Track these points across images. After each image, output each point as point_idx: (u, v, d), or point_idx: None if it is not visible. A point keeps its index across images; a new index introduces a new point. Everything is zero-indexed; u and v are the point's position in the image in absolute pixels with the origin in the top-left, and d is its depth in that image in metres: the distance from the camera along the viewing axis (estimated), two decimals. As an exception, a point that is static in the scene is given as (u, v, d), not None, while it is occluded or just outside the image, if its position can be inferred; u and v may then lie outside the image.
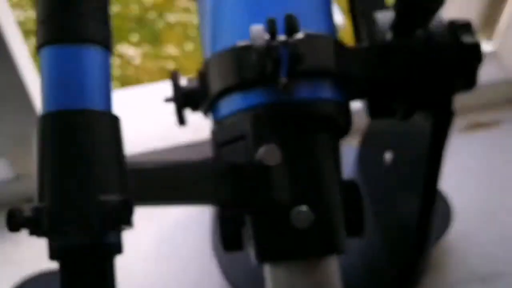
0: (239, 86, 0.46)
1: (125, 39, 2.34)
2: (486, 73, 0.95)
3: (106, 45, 0.41)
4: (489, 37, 1.01)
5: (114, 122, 0.40)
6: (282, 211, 0.43)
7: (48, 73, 0.39)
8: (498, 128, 0.95)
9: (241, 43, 0.44)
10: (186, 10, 2.53)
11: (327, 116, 0.47)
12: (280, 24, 0.42)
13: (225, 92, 0.47)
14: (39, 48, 0.40)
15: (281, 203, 0.44)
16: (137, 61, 2.32)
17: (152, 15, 2.51)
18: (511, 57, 0.97)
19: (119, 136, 0.40)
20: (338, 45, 0.49)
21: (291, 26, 0.42)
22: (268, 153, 0.42)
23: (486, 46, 1.01)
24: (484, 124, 0.95)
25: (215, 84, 0.47)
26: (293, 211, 0.43)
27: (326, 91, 0.47)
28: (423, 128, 0.57)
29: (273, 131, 0.45)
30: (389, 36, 0.49)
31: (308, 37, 0.44)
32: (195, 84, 0.51)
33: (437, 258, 0.80)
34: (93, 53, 0.40)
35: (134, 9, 2.56)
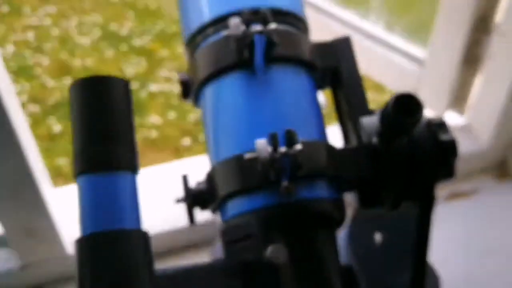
0: (245, 190, 0.49)
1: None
2: (461, 145, 1.02)
3: (134, 169, 0.46)
4: (461, 111, 1.09)
5: (144, 238, 0.44)
6: None
7: (86, 198, 0.44)
8: (477, 195, 1.01)
9: (248, 155, 0.48)
10: (168, 80, 2.60)
11: (325, 213, 0.51)
12: (280, 136, 0.48)
13: (232, 195, 0.50)
14: (76, 176, 0.45)
15: None
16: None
17: (134, 85, 2.58)
18: (482, 129, 1.05)
19: (148, 248, 0.44)
20: (330, 148, 0.53)
21: (291, 140, 0.47)
22: (275, 252, 0.45)
23: (459, 120, 1.08)
24: (464, 194, 1.01)
25: (223, 188, 0.51)
26: None
27: (322, 191, 0.51)
28: (410, 211, 0.62)
29: (278, 231, 0.48)
30: (375, 140, 0.54)
31: (305, 146, 0.48)
32: (203, 186, 0.55)
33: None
34: (123, 178, 0.45)
35: (117, 80, 2.61)
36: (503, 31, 0.96)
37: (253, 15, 0.51)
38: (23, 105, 2.32)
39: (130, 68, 2.63)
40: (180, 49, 2.73)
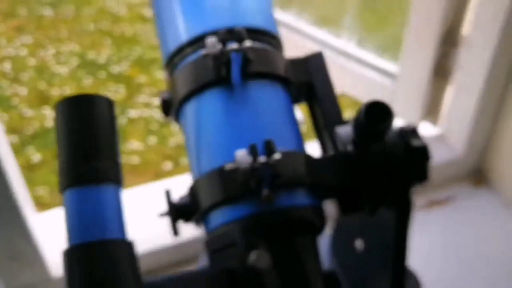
0: (227, 200, 0.51)
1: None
2: (436, 154, 1.05)
3: (117, 182, 0.48)
4: (434, 122, 1.12)
5: (130, 247, 0.46)
6: None
7: (72, 211, 0.46)
8: (454, 202, 1.04)
9: (229, 166, 0.49)
10: (147, 105, 2.61)
11: (305, 220, 0.52)
12: (259, 147, 0.49)
13: (215, 206, 0.52)
14: (62, 191, 0.47)
15: None
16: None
17: (114, 112, 2.58)
18: (455, 138, 1.08)
19: (134, 257, 0.46)
20: (308, 158, 0.55)
21: (270, 150, 0.49)
22: (258, 258, 0.46)
23: (433, 130, 1.12)
24: (442, 201, 1.04)
25: (206, 200, 0.52)
26: None
27: (302, 198, 0.52)
28: (389, 216, 0.64)
29: (261, 238, 0.49)
30: (350, 147, 0.56)
31: (283, 155, 0.51)
32: (186, 199, 0.56)
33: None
34: (107, 190, 0.47)
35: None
36: (470, 43, 1.00)
37: (229, 34, 0.53)
38: (2, 136, 2.30)
39: (109, 95, 2.64)
40: (159, 74, 2.75)
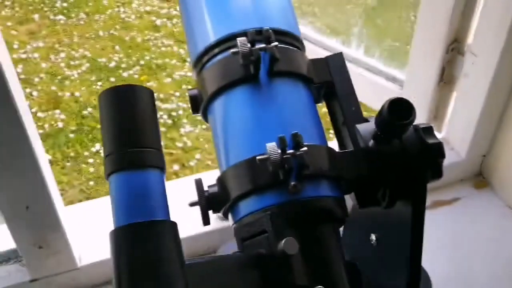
0: (256, 190, 0.54)
1: (99, 140, 2.43)
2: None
3: (162, 168, 0.51)
4: (439, 127, 1.17)
5: (175, 228, 0.48)
6: None
7: (119, 194, 0.49)
8: (458, 203, 1.08)
9: (260, 157, 0.52)
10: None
11: (328, 210, 0.55)
12: (287, 140, 0.52)
13: (245, 195, 0.55)
14: (108, 175, 0.50)
15: (302, 286, 0.50)
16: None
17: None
18: (459, 142, 1.13)
19: (178, 238, 0.48)
20: (331, 151, 0.57)
21: (297, 142, 0.53)
22: (288, 245, 0.48)
23: (437, 135, 1.16)
24: (447, 202, 1.09)
25: (236, 189, 0.55)
26: None
27: (325, 190, 0.56)
28: (402, 212, 0.67)
29: (288, 226, 0.52)
30: (371, 143, 0.59)
31: (309, 148, 0.53)
32: (215, 190, 0.58)
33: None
34: (152, 175, 0.50)
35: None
36: (475, 51, 1.05)
37: (257, 35, 0.57)
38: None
39: (119, 99, 2.68)
40: (167, 80, 2.80)
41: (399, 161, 0.58)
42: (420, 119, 0.63)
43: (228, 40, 0.60)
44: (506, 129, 1.09)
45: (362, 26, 1.42)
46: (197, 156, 2.45)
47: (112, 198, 0.50)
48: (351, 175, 0.59)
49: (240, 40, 0.56)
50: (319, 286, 0.51)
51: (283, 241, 0.48)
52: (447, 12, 1.02)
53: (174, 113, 2.64)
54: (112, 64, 2.89)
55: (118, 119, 0.51)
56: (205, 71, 0.61)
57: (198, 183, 0.59)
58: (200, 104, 0.63)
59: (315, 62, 0.63)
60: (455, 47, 1.07)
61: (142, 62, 2.92)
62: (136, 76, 2.84)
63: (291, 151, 0.53)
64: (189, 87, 2.83)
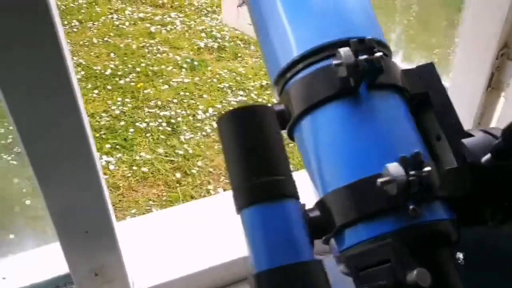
0: (371, 216, 0.49)
1: (98, 148, 2.38)
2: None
3: (297, 197, 0.46)
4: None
5: (323, 269, 0.44)
6: None
7: (256, 231, 0.44)
8: None
9: (382, 180, 0.47)
10: (154, 116, 2.63)
11: (446, 233, 0.51)
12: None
13: (355, 222, 0.49)
14: (241, 210, 0.45)
15: None
16: (112, 167, 2.37)
17: (121, 123, 2.59)
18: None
19: (327, 279, 0.45)
20: (439, 169, 0.52)
21: (419, 162, 0.47)
22: (421, 276, 0.44)
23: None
24: None
25: (344, 216, 0.50)
26: None
27: (441, 212, 0.51)
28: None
29: (410, 254, 0.47)
30: (485, 158, 0.53)
31: (432, 167, 0.49)
32: (317, 214, 0.51)
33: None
34: (290, 207, 0.45)
35: (104, 118, 2.62)
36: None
37: (360, 44, 0.52)
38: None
39: (116, 107, 2.64)
40: (163, 86, 2.76)
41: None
42: (466, 125, 0.62)
43: (315, 53, 0.55)
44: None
45: (402, 32, 1.43)
46: (199, 163, 2.43)
47: (249, 235, 0.44)
48: (457, 193, 0.54)
49: (343, 50, 0.51)
50: None
51: (414, 272, 0.44)
52: (500, 19, 1.03)
53: (173, 120, 2.61)
54: (108, 71, 2.84)
55: (245, 145, 0.47)
56: (290, 86, 0.57)
57: (305, 209, 0.52)
58: (287, 121, 0.57)
59: (406, 72, 0.59)
60: (504, 53, 1.08)
61: (138, 69, 2.88)
62: (132, 83, 2.80)
63: (413, 172, 0.47)
64: (187, 93, 2.83)
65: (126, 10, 3.25)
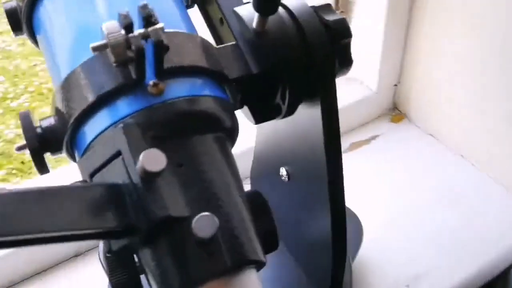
0: (100, 102, 0.40)
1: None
2: (349, 95, 1.00)
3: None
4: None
5: None
6: (182, 225, 0.36)
7: None
8: (378, 140, 0.98)
9: (94, 45, 0.36)
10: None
11: (205, 113, 0.42)
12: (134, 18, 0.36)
13: (86, 114, 0.40)
14: None
15: (177, 214, 0.36)
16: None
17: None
18: (366, 78, 1.03)
19: None
20: (205, 42, 0.45)
21: (149, 16, 0.36)
22: (149, 157, 0.34)
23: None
24: (365, 141, 0.98)
25: (73, 110, 0.41)
26: (194, 220, 0.35)
27: (202, 89, 0.42)
28: (312, 132, 0.55)
29: (152, 139, 0.38)
30: (256, 20, 0.48)
31: (171, 33, 0.40)
32: (52, 122, 0.43)
33: (357, 273, 0.77)
34: None
35: (-4, 145, 2.44)
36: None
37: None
38: None
39: (9, 130, 2.46)
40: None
41: (295, 46, 0.49)
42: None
43: None
44: (411, 54, 1.00)
45: None
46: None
47: None
48: (236, 73, 0.47)
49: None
50: (205, 213, 0.36)
51: (141, 155, 0.34)
52: None
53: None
54: (-3, 95, 2.65)
55: None
56: None
57: (24, 118, 0.43)
58: (21, 19, 0.51)
59: None
60: None
61: (31, 88, 2.70)
62: (26, 104, 2.62)
63: (141, 30, 0.36)
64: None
65: (11, 32, 3.07)
